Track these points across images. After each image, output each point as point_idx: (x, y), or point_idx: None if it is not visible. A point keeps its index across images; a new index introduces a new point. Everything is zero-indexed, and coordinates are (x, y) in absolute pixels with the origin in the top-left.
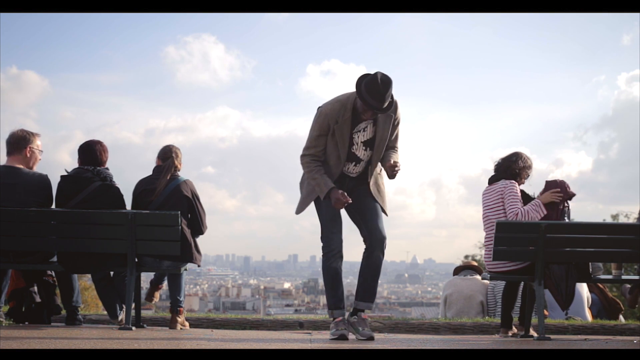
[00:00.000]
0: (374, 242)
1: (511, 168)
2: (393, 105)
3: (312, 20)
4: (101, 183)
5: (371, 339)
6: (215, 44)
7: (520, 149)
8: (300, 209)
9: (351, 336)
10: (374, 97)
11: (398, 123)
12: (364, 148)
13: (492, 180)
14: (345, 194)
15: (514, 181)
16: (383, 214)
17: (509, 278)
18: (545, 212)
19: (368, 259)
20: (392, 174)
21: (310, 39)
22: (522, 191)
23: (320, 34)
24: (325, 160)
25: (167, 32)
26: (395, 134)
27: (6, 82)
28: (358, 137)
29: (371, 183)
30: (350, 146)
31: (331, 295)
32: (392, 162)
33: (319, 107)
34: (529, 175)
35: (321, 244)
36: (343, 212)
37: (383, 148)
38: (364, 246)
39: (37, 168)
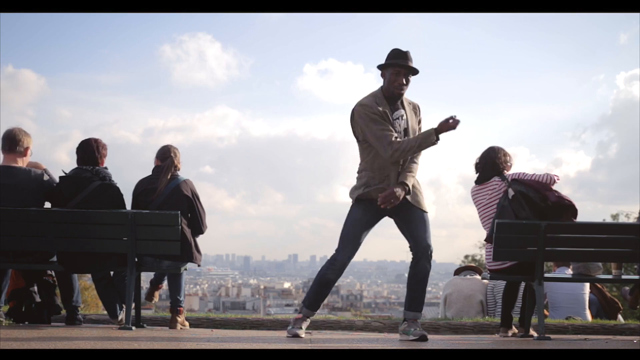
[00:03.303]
0: (420, 251)
1: (496, 163)
2: (416, 72)
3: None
4: (101, 182)
5: (423, 338)
6: (211, 42)
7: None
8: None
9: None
10: (398, 57)
11: (421, 124)
12: (404, 137)
13: (481, 180)
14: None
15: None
16: (429, 220)
17: (509, 278)
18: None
19: (414, 269)
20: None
21: (307, 39)
22: None
23: (317, 33)
24: (379, 154)
25: (162, 31)
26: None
27: (3, 81)
28: (399, 124)
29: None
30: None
31: (313, 298)
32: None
33: (354, 108)
34: (512, 164)
35: (336, 246)
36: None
37: None
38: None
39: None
